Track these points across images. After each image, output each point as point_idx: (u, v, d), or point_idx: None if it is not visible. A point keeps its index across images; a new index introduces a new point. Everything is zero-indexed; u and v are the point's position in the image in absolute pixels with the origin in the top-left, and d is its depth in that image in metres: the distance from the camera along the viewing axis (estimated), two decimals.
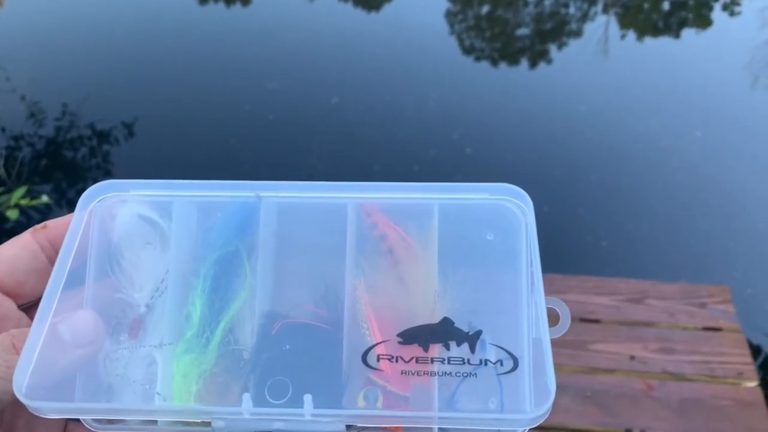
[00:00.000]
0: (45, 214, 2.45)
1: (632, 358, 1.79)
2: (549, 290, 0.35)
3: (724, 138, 3.07)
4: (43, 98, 3.21)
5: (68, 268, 0.38)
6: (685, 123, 3.12)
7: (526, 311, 0.36)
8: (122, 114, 3.06)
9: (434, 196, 0.39)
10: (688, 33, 4.10)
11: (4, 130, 3.01)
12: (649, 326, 1.89)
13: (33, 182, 2.71)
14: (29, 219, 2.32)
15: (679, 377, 1.75)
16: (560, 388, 1.68)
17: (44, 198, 2.19)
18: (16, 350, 0.35)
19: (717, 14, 4.23)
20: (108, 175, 2.80)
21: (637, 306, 1.94)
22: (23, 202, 1.98)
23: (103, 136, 2.99)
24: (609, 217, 2.63)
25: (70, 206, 2.64)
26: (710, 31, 4.06)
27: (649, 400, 1.70)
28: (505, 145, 2.80)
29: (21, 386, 0.34)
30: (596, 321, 1.89)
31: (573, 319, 1.91)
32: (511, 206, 0.38)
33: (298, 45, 3.63)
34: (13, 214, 1.93)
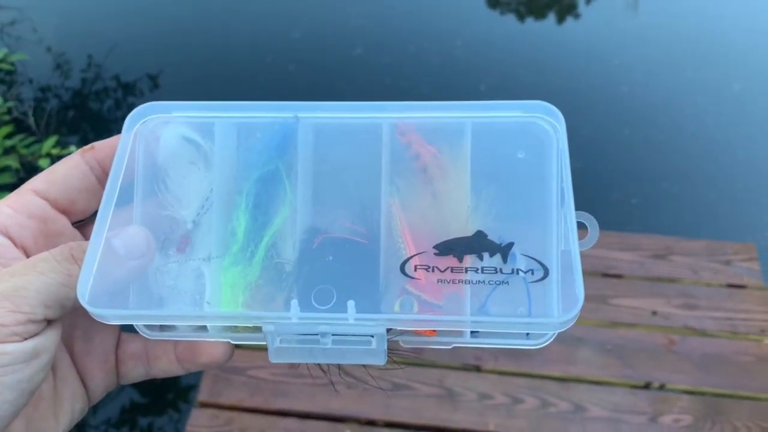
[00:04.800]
0: None
1: (654, 313, 1.80)
2: None
3: (763, 92, 2.99)
4: (69, 50, 3.23)
5: (119, 187, 0.40)
6: (723, 76, 3.04)
7: (555, 225, 0.38)
8: (147, 66, 3.08)
9: (467, 114, 0.40)
10: None
11: (31, 81, 3.05)
12: (672, 282, 1.89)
13: (60, 133, 2.74)
14: None
15: (701, 333, 1.76)
16: (580, 340, 1.72)
17: (72, 148, 2.22)
18: (75, 261, 0.37)
19: None
20: None
21: (661, 262, 1.94)
22: (54, 151, 2.01)
23: (128, 88, 3.02)
24: (640, 173, 2.60)
25: None
26: None
27: (670, 354, 1.71)
28: (534, 98, 2.76)
29: (84, 294, 0.36)
30: (619, 276, 1.90)
31: (595, 274, 1.92)
32: (543, 123, 0.39)
33: None
34: (45, 163, 1.97)
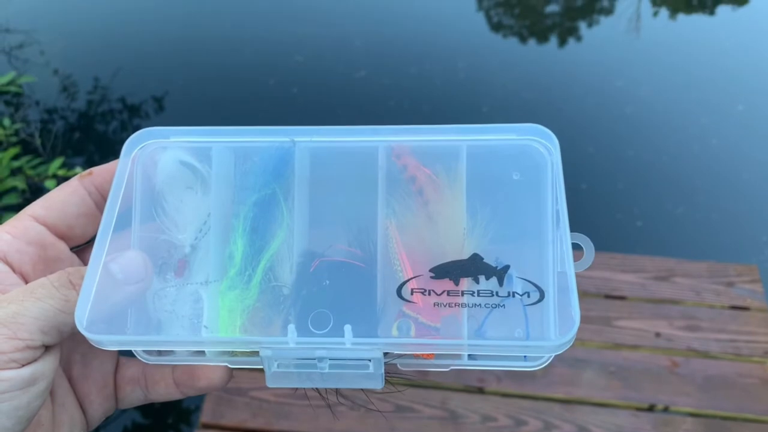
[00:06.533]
0: None
1: (657, 335, 1.79)
2: None
3: (766, 113, 3.00)
4: (75, 72, 3.26)
5: (117, 212, 0.40)
6: (726, 97, 3.05)
7: (551, 246, 0.38)
8: (152, 88, 3.11)
9: (462, 137, 0.40)
10: (723, 9, 4.00)
11: (38, 103, 3.08)
12: (674, 304, 1.88)
13: (66, 155, 2.76)
14: None
15: (705, 355, 1.74)
16: (584, 362, 1.71)
17: (78, 169, 2.24)
18: (73, 286, 0.37)
19: None
20: None
21: (663, 283, 1.93)
22: (60, 172, 2.03)
23: (133, 110, 3.04)
24: (644, 194, 2.60)
25: None
26: (747, 8, 3.96)
27: (674, 376, 1.70)
28: (538, 120, 2.76)
29: (82, 321, 0.36)
30: (622, 298, 1.89)
31: (598, 296, 1.91)
32: (538, 146, 0.40)
33: (325, 18, 3.63)
34: (51, 184, 1.99)
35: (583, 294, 1.85)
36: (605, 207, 2.52)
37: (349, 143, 0.41)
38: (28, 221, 0.41)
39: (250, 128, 0.42)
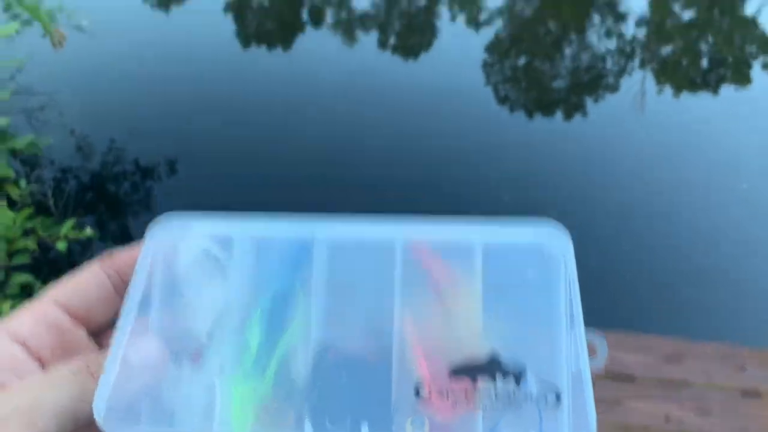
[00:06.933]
0: (87, 246, 2.53)
1: (667, 418, 1.75)
2: None
3: None
4: (92, 133, 3.34)
5: (139, 299, 0.41)
6: (731, 175, 3.09)
7: (565, 346, 0.38)
8: (165, 151, 3.17)
9: (478, 232, 0.41)
10: (726, 89, 4.10)
11: (53, 162, 3.14)
12: (685, 386, 1.85)
13: (78, 214, 2.80)
14: (71, 251, 2.39)
15: None
16: None
17: (88, 230, 2.26)
18: (92, 375, 0.37)
19: (756, 72, 4.23)
20: (148, 209, 2.89)
21: (674, 365, 1.90)
22: (71, 234, 2.05)
23: (146, 172, 3.10)
24: (653, 273, 2.59)
25: (113, 239, 2.72)
26: (750, 89, 4.06)
27: None
28: (545, 194, 2.81)
29: (100, 411, 0.36)
30: (631, 378, 1.86)
31: (607, 376, 1.88)
32: (552, 243, 0.40)
33: (336, 90, 3.74)
34: (62, 245, 2.00)
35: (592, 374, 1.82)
36: (615, 285, 2.51)
37: (366, 236, 0.42)
38: (47, 305, 0.41)
39: (272, 218, 0.43)
